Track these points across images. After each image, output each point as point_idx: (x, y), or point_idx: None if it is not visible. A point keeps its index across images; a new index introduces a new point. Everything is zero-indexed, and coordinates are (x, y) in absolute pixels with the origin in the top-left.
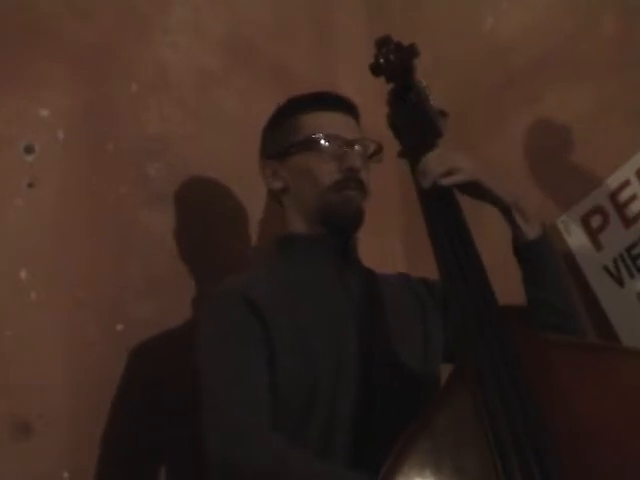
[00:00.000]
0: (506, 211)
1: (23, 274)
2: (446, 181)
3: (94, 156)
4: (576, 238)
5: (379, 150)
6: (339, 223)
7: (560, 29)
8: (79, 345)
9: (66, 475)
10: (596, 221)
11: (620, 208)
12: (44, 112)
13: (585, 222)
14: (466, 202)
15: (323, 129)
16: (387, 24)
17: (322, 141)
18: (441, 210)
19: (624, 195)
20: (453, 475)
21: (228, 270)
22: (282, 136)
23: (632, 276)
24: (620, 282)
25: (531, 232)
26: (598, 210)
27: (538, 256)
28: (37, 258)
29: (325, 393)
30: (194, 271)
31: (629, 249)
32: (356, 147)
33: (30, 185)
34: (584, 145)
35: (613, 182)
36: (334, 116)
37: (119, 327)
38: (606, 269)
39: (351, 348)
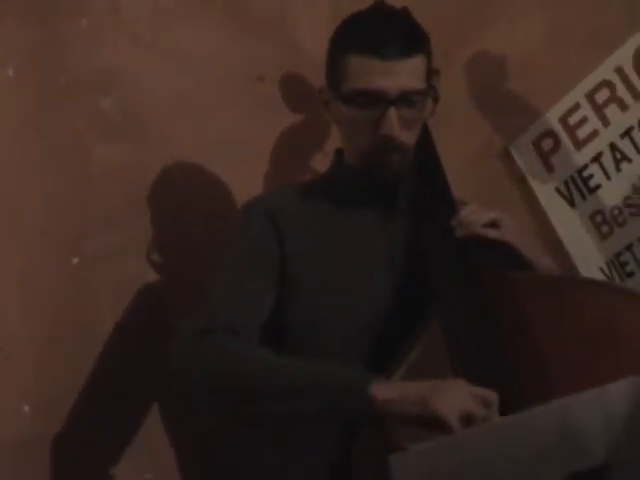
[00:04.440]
0: None
1: None
2: (481, 232)
3: (46, 92)
4: (528, 162)
5: (424, 102)
6: (379, 182)
7: None
8: (36, 279)
9: (27, 409)
10: (547, 144)
11: (571, 131)
12: None
13: (536, 145)
14: None
15: (364, 82)
16: None
17: (360, 99)
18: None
19: (574, 118)
20: None
21: (186, 201)
22: (331, 69)
23: (584, 197)
24: (572, 203)
25: None
26: (549, 134)
27: None
28: None
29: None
30: (151, 204)
31: (580, 171)
32: (397, 106)
33: None
34: (536, 73)
35: (563, 106)
36: (381, 66)
37: (75, 260)
38: (558, 190)
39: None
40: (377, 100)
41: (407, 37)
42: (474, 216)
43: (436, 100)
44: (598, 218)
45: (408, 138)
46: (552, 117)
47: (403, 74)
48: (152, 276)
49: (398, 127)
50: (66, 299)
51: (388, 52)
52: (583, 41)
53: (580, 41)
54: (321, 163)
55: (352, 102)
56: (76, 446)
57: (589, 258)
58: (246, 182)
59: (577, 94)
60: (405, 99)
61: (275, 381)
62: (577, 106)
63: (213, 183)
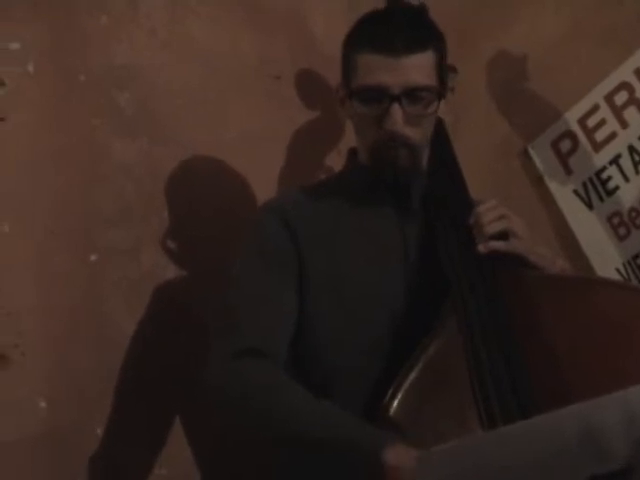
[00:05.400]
0: None
1: None
2: (492, 246)
3: (65, 88)
4: (546, 163)
5: (431, 99)
6: (389, 180)
7: None
8: (52, 275)
9: (43, 404)
10: (566, 146)
11: (589, 132)
12: (14, 45)
13: (555, 147)
14: None
15: (370, 78)
16: None
17: (365, 95)
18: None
19: (593, 120)
20: (441, 408)
21: (201, 197)
22: (344, 67)
23: (601, 199)
24: (589, 205)
25: None
26: (568, 135)
27: None
28: (9, 191)
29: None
30: (165, 199)
31: (598, 173)
32: (402, 102)
33: (1, 119)
34: (555, 73)
35: (582, 107)
36: (386, 61)
37: (92, 257)
38: (576, 193)
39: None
40: (381, 96)
41: (414, 33)
42: (485, 227)
43: (442, 97)
44: (615, 220)
45: (415, 134)
46: (571, 118)
47: (408, 70)
48: (167, 271)
49: (402, 123)
50: (82, 295)
51: (393, 48)
52: (603, 42)
53: (600, 42)
54: (336, 161)
55: (359, 98)
56: (92, 442)
57: (606, 259)
58: (261, 178)
59: (596, 96)
60: (410, 95)
61: (293, 427)
62: (596, 108)
63: (228, 179)
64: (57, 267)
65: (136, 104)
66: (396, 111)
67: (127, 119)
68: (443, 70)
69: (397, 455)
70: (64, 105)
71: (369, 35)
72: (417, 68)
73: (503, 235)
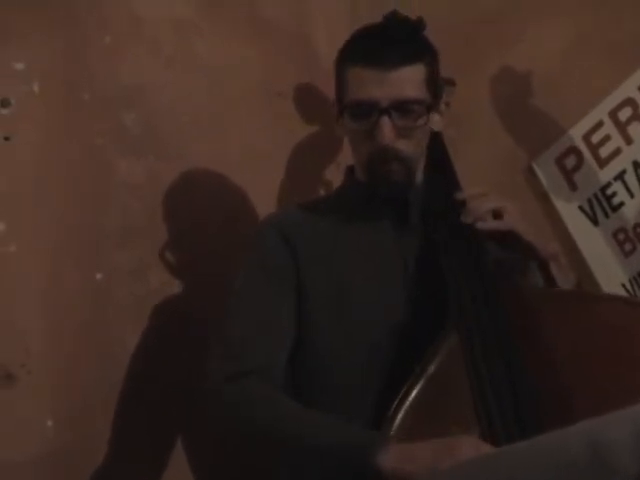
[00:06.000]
0: (542, 264)
1: (2, 226)
2: (486, 225)
3: (70, 107)
4: (551, 179)
5: (421, 112)
6: (385, 195)
7: None
8: (58, 294)
9: (50, 423)
10: (570, 162)
11: (594, 149)
12: (19, 65)
13: (560, 163)
14: None
15: (359, 92)
16: None
17: (355, 110)
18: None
19: (597, 136)
20: (444, 417)
21: (203, 215)
22: (337, 83)
23: (607, 215)
24: (595, 221)
25: (567, 286)
26: (572, 151)
27: None
28: (16, 210)
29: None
30: (171, 219)
31: (603, 189)
32: (391, 115)
33: (7, 138)
34: (559, 87)
35: (586, 123)
36: (374, 75)
37: (98, 276)
38: (581, 209)
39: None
40: (371, 110)
41: (404, 47)
42: (479, 204)
43: (432, 110)
44: (621, 236)
45: (407, 146)
46: (575, 134)
47: (397, 83)
48: (174, 289)
49: (393, 136)
50: (89, 314)
51: (382, 61)
52: (607, 58)
53: (604, 58)
54: (335, 175)
55: (349, 113)
56: (99, 460)
57: (612, 275)
58: (265, 193)
59: (600, 112)
60: (399, 108)
61: (290, 441)
62: (600, 124)
63: (232, 197)
64: (63, 286)
65: (141, 122)
66: (386, 124)
67: (132, 138)
68: (435, 83)
69: (391, 458)
70: (69, 124)
71: (359, 50)
72: (406, 81)
73: (497, 216)
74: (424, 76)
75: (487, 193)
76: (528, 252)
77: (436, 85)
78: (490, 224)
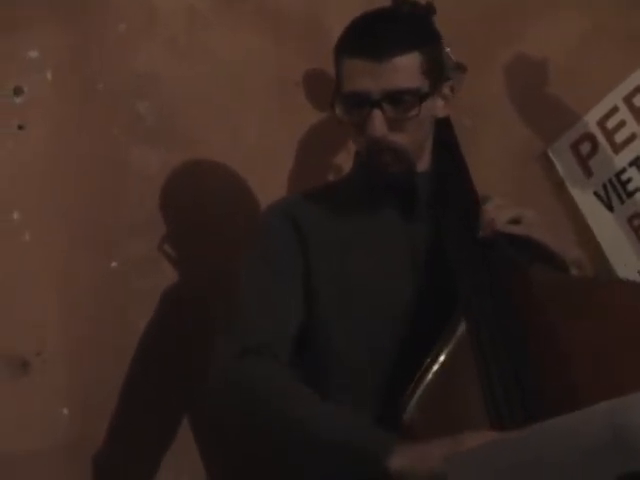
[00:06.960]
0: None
1: (16, 215)
2: (507, 228)
3: (84, 96)
4: (566, 166)
5: (413, 102)
6: (381, 185)
7: None
8: (74, 283)
9: (65, 411)
10: (585, 148)
11: (609, 134)
12: (33, 53)
13: (574, 149)
14: None
15: (351, 84)
16: None
17: (348, 101)
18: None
19: (612, 121)
20: (454, 414)
21: (221, 205)
22: (335, 73)
23: (622, 201)
24: (610, 207)
25: None
26: (587, 137)
27: None
28: (29, 199)
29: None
30: (185, 208)
31: (618, 175)
32: (382, 107)
33: (20, 127)
34: (573, 73)
35: (601, 109)
36: (366, 66)
37: (113, 264)
38: (596, 195)
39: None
40: (363, 102)
41: (398, 35)
42: (496, 213)
43: (425, 98)
44: (636, 221)
45: (401, 138)
46: (590, 120)
47: (389, 73)
48: (188, 279)
49: (384, 128)
50: (104, 303)
51: (373, 52)
52: (622, 44)
53: (619, 44)
54: (346, 161)
55: (344, 105)
56: (114, 448)
57: (628, 262)
58: (279, 185)
59: (615, 97)
60: (390, 99)
61: (296, 430)
62: (615, 109)
63: (249, 188)
64: (78, 275)
65: (155, 113)
66: (377, 116)
67: (146, 128)
68: (436, 69)
69: (401, 459)
70: (83, 113)
71: (353, 40)
72: (399, 71)
73: (516, 222)
74: (419, 64)
75: (505, 205)
76: (549, 260)
77: (437, 71)
78: (508, 228)
